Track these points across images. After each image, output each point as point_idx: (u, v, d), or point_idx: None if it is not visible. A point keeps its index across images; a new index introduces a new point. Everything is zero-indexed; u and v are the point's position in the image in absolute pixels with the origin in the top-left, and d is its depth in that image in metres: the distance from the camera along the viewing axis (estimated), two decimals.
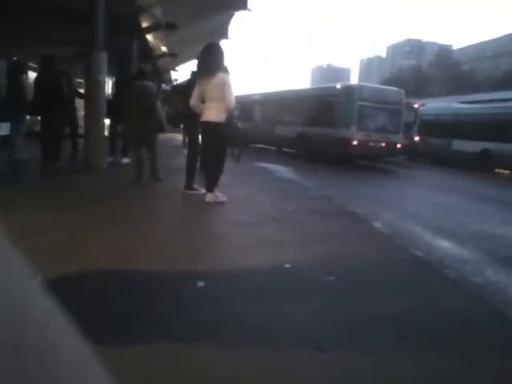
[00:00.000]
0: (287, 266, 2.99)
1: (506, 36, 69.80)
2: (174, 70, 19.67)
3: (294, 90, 18.28)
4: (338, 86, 14.61)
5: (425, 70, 60.41)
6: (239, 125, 5.05)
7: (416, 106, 17.89)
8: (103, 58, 6.60)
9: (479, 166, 15.51)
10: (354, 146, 12.82)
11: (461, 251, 4.14)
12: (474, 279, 3.25)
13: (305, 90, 17.85)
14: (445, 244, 4.36)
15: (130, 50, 9.95)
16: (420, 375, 1.82)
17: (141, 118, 5.82)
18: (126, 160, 8.38)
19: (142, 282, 2.56)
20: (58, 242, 3.11)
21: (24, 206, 4.20)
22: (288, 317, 2.24)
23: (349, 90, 13.63)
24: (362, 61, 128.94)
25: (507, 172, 15.49)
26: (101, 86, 6.60)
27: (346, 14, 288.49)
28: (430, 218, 5.68)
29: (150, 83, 6.26)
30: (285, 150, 17.08)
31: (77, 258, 2.82)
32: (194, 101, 5.00)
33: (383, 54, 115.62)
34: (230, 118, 4.86)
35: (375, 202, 6.76)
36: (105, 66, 6.63)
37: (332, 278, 2.80)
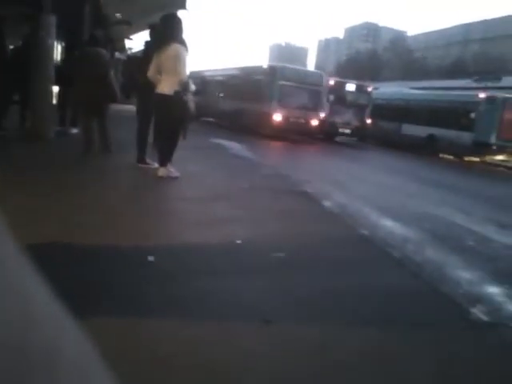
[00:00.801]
0: (238, 242, 3.04)
1: (455, 27, 73.02)
2: (128, 38, 18.89)
3: (232, 68, 19.58)
4: (265, 66, 16.03)
5: (380, 54, 61.67)
6: (187, 99, 4.91)
7: (369, 89, 18.28)
8: (52, 20, 6.23)
9: (425, 150, 16.23)
10: (276, 120, 14.30)
11: (404, 231, 4.36)
12: (414, 258, 3.45)
13: (240, 69, 18.77)
14: (390, 224, 4.57)
15: (82, 14, 9.43)
16: (355, 344, 1.94)
17: (92, 87, 5.57)
18: (74, 130, 8.04)
19: (91, 255, 2.52)
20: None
21: None
22: (236, 291, 2.30)
23: (273, 70, 15.17)
24: (319, 41, 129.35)
25: (450, 157, 16.30)
26: (49, 50, 6.24)
27: None
28: (377, 199, 5.92)
29: (103, 50, 5.99)
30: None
31: (21, 232, 2.72)
32: (151, 72, 4.88)
33: (341, 36, 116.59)
34: (179, 91, 4.74)
35: (326, 181, 6.93)
36: (53, 30, 6.27)
37: (281, 255, 2.88)
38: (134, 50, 20.59)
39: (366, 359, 1.85)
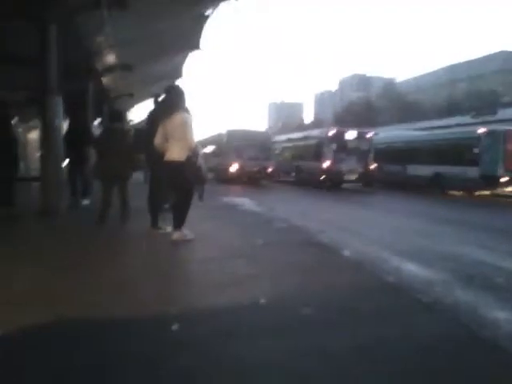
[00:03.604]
0: (262, 301, 2.93)
1: (441, 69, 76.26)
2: (129, 110, 19.63)
3: (212, 135, 23.54)
4: (223, 132, 20.23)
5: (373, 101, 63.37)
6: (200, 163, 5.04)
7: (369, 135, 18.59)
8: (58, 102, 6.48)
9: (433, 188, 16.22)
10: (233, 170, 18.46)
11: (429, 273, 4.22)
12: (445, 301, 3.31)
13: (216, 135, 22.45)
14: (413, 268, 4.43)
15: (86, 92, 9.84)
16: None
17: (119, 160, 5.89)
18: (86, 201, 8.19)
19: (116, 328, 2.43)
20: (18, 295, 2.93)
21: None
22: (269, 353, 2.17)
23: (227, 134, 19.44)
24: (316, 95, 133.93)
25: (459, 193, 16.20)
26: (57, 129, 6.44)
27: (295, 49, 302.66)
28: (394, 243, 5.80)
29: (125, 126, 6.29)
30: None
31: (35, 306, 2.65)
32: (158, 140, 4.98)
33: (334, 88, 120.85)
34: (191, 157, 4.86)
35: (340, 230, 6.85)
36: (60, 110, 6.51)
37: (308, 311, 2.76)
38: (134, 121, 21.33)
39: None
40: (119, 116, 6.65)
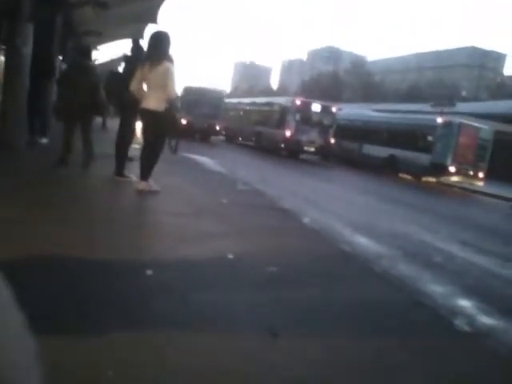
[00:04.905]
0: (230, 256, 3.11)
1: (410, 55, 78.09)
2: (95, 49, 18.66)
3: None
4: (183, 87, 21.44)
5: (341, 76, 63.75)
6: (178, 115, 4.99)
7: (334, 109, 18.87)
8: (29, 29, 6.13)
9: (386, 170, 16.93)
10: (183, 123, 18.24)
11: (379, 247, 4.58)
12: (392, 272, 3.66)
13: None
14: (365, 241, 4.77)
15: (54, 24, 9.26)
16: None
17: (82, 98, 5.59)
18: (44, 140, 7.88)
19: (91, 271, 2.52)
20: None
21: None
22: (240, 304, 2.38)
23: (183, 90, 20.53)
24: (283, 62, 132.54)
25: (409, 177, 17.02)
26: (25, 59, 6.12)
27: (268, 15, 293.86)
28: (349, 216, 6.17)
29: (94, 64, 6.04)
30: None
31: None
32: (135, 86, 4.84)
33: (304, 58, 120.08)
34: (170, 108, 4.80)
35: (299, 198, 7.15)
36: (30, 38, 6.17)
37: (274, 269, 2.98)
38: (99, 61, 20.34)
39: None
40: (88, 52, 6.36)
